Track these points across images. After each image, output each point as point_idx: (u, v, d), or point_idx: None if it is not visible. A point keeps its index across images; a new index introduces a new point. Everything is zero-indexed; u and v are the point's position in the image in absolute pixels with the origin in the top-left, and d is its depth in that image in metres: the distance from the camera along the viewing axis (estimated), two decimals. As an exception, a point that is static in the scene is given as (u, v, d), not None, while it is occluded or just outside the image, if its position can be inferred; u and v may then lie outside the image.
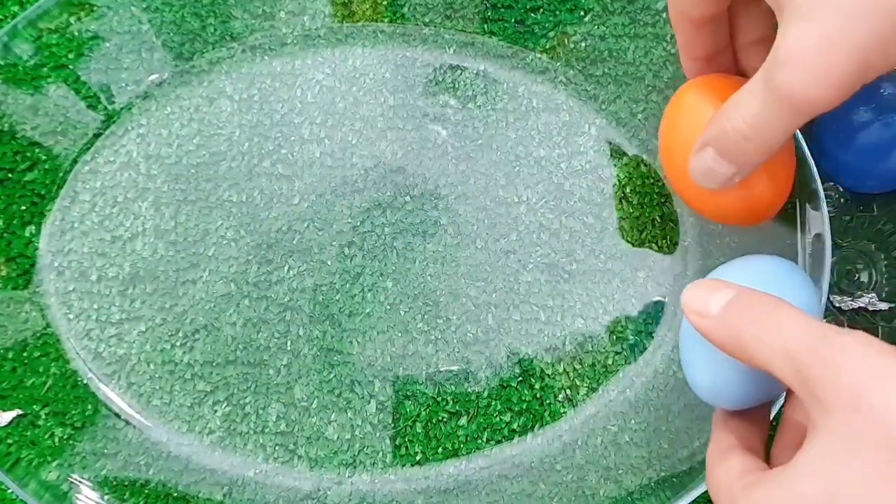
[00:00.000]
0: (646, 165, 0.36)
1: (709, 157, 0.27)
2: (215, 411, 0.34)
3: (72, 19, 0.36)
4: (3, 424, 0.33)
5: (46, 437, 0.34)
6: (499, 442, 0.34)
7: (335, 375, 0.35)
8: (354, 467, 0.34)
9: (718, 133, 0.27)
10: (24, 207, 0.35)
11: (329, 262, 0.35)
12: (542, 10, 0.36)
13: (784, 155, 0.29)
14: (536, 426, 0.35)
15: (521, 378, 0.35)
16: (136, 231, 0.36)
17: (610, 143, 0.36)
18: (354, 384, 0.35)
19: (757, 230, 0.35)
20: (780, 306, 0.23)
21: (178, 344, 0.35)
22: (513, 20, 0.36)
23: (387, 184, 0.36)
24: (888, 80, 0.34)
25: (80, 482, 0.33)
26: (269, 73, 0.37)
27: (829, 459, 0.21)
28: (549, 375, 0.35)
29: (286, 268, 0.35)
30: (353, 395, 0.35)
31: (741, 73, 0.31)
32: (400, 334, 0.35)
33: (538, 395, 0.35)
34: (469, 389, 0.35)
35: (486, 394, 0.35)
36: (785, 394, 0.29)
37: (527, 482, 0.34)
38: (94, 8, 0.36)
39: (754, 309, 0.24)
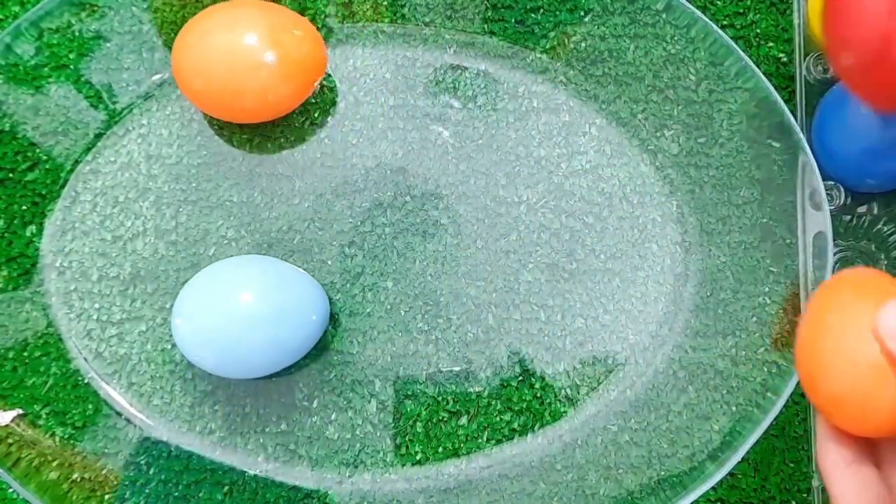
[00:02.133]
0: (646, 165, 0.36)
1: None
2: (216, 411, 0.34)
3: (73, 19, 0.36)
4: (3, 424, 0.33)
5: (47, 436, 0.34)
6: (499, 441, 0.34)
7: (335, 375, 0.35)
8: (355, 467, 0.34)
9: None
10: (25, 207, 0.36)
11: (329, 262, 0.36)
12: (542, 10, 0.36)
13: None
14: (537, 426, 0.35)
15: (521, 378, 0.35)
16: (137, 231, 0.36)
17: (610, 143, 0.36)
18: (355, 384, 0.35)
19: (757, 231, 0.35)
20: None
21: (178, 343, 0.35)
22: (513, 20, 0.37)
23: (387, 184, 0.36)
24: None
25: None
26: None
27: None
28: (549, 375, 0.35)
29: (287, 268, 0.35)
30: (354, 395, 0.35)
31: None
32: (400, 334, 0.35)
33: (538, 395, 0.35)
34: (469, 389, 0.35)
35: (486, 393, 0.35)
36: None
37: (527, 482, 0.34)
38: (96, 8, 0.36)
39: None
